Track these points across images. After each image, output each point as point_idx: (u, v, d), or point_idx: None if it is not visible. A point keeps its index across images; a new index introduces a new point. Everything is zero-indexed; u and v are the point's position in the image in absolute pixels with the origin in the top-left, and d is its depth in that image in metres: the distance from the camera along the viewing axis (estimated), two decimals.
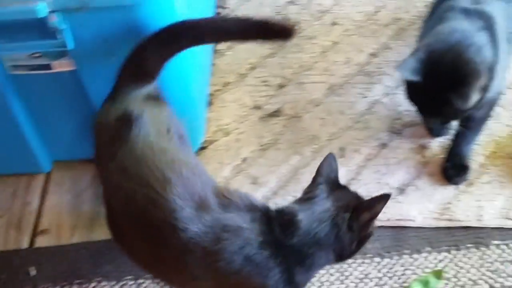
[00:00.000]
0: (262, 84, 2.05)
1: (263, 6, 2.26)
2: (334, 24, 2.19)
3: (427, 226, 1.68)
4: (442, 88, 1.50)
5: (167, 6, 1.48)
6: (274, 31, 1.43)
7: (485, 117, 1.72)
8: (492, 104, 1.68)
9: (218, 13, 2.25)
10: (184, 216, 1.25)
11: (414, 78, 1.51)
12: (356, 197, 1.36)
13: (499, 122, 1.86)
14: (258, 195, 1.76)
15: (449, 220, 1.69)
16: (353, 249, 1.33)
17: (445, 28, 1.57)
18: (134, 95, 1.42)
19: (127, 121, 1.36)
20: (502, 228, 1.66)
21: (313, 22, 2.20)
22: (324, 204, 1.32)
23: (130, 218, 1.31)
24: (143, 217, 1.28)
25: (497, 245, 1.63)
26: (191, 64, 1.73)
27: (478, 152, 1.80)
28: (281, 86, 2.04)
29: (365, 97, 1.98)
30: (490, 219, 1.68)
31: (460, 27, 1.55)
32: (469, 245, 1.64)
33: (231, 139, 1.93)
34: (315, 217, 1.29)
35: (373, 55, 2.09)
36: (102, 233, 1.69)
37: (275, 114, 1.97)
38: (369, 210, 1.30)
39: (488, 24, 1.57)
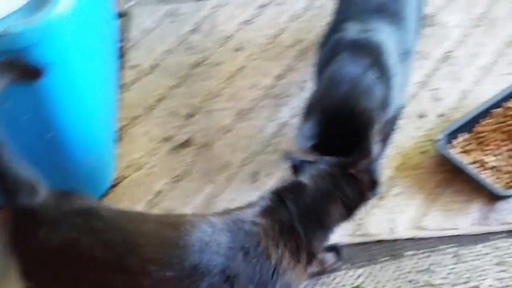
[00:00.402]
0: (170, 115, 2.04)
1: (166, 37, 2.26)
2: (238, 49, 2.21)
3: (343, 244, 1.70)
4: (343, 145, 1.50)
5: (60, 47, 1.45)
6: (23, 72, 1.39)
7: (390, 132, 1.76)
8: (394, 120, 1.72)
9: (121, 48, 2.23)
10: (210, 236, 1.29)
11: (314, 143, 1.51)
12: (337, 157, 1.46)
13: (404, 134, 1.91)
14: None
15: (364, 235, 1.71)
16: (360, 197, 1.44)
17: (333, 77, 1.56)
18: (48, 202, 1.33)
19: (89, 218, 1.30)
20: (415, 238, 1.71)
21: (217, 49, 2.21)
22: (316, 168, 1.42)
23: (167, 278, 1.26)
24: (175, 268, 1.26)
25: (411, 256, 1.67)
26: (94, 102, 1.70)
27: (386, 165, 1.85)
28: (190, 116, 2.03)
29: (274, 120, 2.00)
30: (403, 231, 1.72)
31: (347, 74, 1.55)
32: (384, 259, 1.67)
33: (143, 174, 1.90)
34: (315, 176, 1.41)
35: (279, 77, 2.11)
36: (13, 286, 1.63)
37: (185, 144, 1.96)
38: (362, 159, 1.43)
39: (375, 57, 1.58)
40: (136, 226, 1.31)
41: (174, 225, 1.31)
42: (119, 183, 1.87)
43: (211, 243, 1.28)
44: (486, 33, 2.13)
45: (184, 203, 1.81)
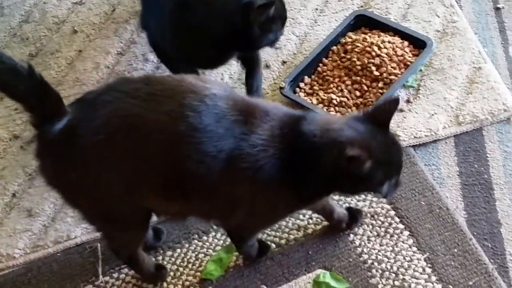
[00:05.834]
0: (15, 112, 1.96)
1: None
2: (74, 32, 2.14)
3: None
4: None
5: None
6: None
7: None
8: None
9: None
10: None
11: None
12: None
13: None
14: (37, 226, 1.70)
15: None
16: None
17: None
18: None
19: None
20: None
21: (52, 36, 2.13)
22: None
23: None
24: None
25: None
26: None
27: None
28: None
29: None
30: None
31: None
32: None
33: None
34: None
35: (120, 53, 2.07)
36: None
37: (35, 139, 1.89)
38: None
39: None
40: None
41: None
42: None
43: None
44: None
45: (43, 199, 1.76)
